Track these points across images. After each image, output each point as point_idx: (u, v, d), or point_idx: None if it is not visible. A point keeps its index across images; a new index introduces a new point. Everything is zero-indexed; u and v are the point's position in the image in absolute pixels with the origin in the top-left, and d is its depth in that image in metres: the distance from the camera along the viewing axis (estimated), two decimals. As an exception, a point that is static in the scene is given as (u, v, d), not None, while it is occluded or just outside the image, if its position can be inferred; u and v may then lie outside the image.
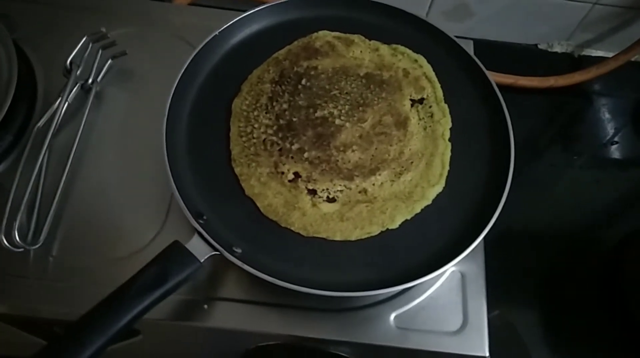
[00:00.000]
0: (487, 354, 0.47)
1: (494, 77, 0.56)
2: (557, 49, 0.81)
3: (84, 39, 0.55)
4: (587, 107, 0.79)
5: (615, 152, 0.75)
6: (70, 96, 0.54)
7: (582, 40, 0.80)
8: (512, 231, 0.66)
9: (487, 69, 0.57)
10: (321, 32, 0.58)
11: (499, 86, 0.55)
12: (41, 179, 0.51)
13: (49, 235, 0.48)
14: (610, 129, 0.77)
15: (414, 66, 0.56)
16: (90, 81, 0.56)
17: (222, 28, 0.55)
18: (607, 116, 0.78)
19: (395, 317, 0.48)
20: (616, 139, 0.76)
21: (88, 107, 0.55)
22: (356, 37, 0.58)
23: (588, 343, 0.62)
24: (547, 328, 0.62)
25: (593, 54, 0.81)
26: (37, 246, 0.47)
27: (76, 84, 0.55)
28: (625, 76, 0.78)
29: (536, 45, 0.81)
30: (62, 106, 0.53)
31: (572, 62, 0.81)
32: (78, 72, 0.55)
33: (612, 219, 0.71)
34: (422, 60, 0.57)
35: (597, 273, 0.66)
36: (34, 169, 0.50)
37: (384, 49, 0.57)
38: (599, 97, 0.79)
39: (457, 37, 0.58)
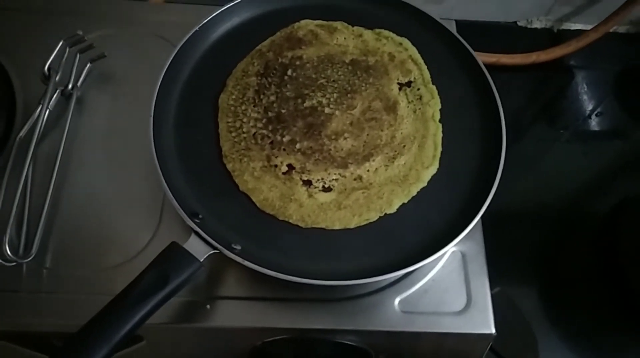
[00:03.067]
0: (494, 331, 0.47)
1: (476, 57, 0.56)
2: (537, 24, 0.81)
3: (61, 43, 0.54)
4: (569, 81, 0.79)
5: (600, 123, 0.76)
6: (51, 103, 0.53)
7: (561, 15, 0.80)
8: (505, 207, 0.66)
9: (469, 49, 0.57)
10: (303, 22, 0.57)
11: (482, 65, 0.55)
12: (28, 190, 0.49)
13: (41, 246, 0.47)
14: (593, 101, 0.77)
15: (399, 49, 0.56)
16: (70, 86, 0.54)
17: (202, 23, 0.54)
18: (589, 88, 0.78)
19: (400, 302, 0.47)
20: (600, 110, 0.77)
21: (70, 113, 0.53)
22: (339, 24, 0.57)
23: (588, 313, 0.62)
24: (547, 301, 0.62)
25: (572, 28, 0.81)
26: (29, 258, 0.46)
27: (56, 91, 0.53)
28: (604, 48, 0.78)
29: (516, 22, 0.81)
30: (44, 113, 0.52)
31: (552, 37, 0.81)
32: (57, 78, 0.53)
33: (603, 190, 0.72)
34: (406, 43, 0.56)
35: (593, 243, 0.67)
36: (19, 181, 0.48)
37: (368, 34, 0.57)
38: (581, 70, 0.80)
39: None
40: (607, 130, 0.76)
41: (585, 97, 0.78)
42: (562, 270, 0.65)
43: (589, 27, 0.78)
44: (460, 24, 0.64)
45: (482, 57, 0.71)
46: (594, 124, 0.76)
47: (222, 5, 0.56)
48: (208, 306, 0.46)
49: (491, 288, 0.50)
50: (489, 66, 0.72)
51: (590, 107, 0.77)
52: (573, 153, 0.74)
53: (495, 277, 0.51)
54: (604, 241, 0.67)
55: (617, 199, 0.69)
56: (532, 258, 0.66)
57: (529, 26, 0.81)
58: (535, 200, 0.70)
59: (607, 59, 0.81)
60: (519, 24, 0.81)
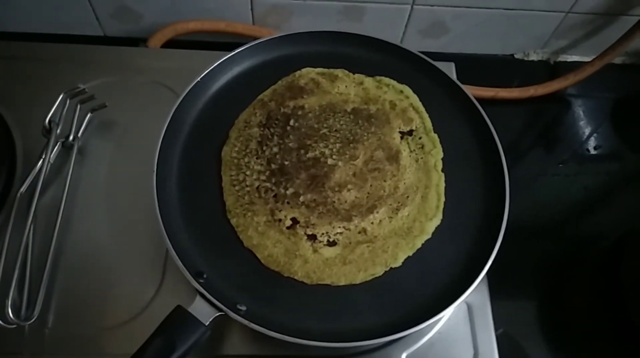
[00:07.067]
0: (501, 385, 0.47)
1: (474, 92, 0.56)
2: (534, 57, 0.82)
3: (61, 96, 0.54)
4: (566, 111, 0.80)
5: (598, 156, 0.76)
6: (52, 155, 0.52)
7: (557, 47, 0.81)
8: (506, 242, 0.67)
9: (466, 82, 0.57)
10: (304, 70, 0.57)
11: (480, 99, 0.56)
12: (29, 248, 0.49)
13: (43, 306, 0.47)
14: (590, 132, 0.78)
15: (400, 97, 0.56)
16: (71, 137, 0.54)
17: (204, 74, 0.54)
18: (586, 118, 0.79)
19: (407, 357, 0.47)
20: (598, 141, 0.77)
21: (72, 165, 0.53)
22: (340, 72, 0.57)
23: (591, 351, 0.62)
24: (550, 339, 0.62)
25: (569, 60, 0.82)
26: (32, 320, 0.46)
27: (57, 143, 0.53)
28: (600, 77, 0.79)
29: (512, 55, 0.82)
30: (45, 168, 0.51)
31: (549, 69, 0.82)
32: (58, 130, 0.53)
33: (603, 222, 0.72)
34: (407, 90, 0.57)
35: (595, 277, 0.67)
36: (21, 239, 0.48)
37: (369, 81, 0.57)
38: (577, 100, 0.80)
39: (436, 53, 0.59)
40: (605, 161, 0.77)
41: (582, 128, 0.78)
42: (565, 305, 0.65)
43: (585, 59, 0.79)
44: (457, 57, 0.64)
45: (480, 92, 0.72)
46: (593, 156, 0.76)
47: (220, 52, 0.56)
48: (213, 365, 0.46)
49: (494, 330, 0.50)
50: (486, 100, 0.73)
51: (587, 138, 0.77)
52: (573, 186, 0.74)
53: (497, 315, 0.51)
54: (606, 275, 0.67)
55: (619, 231, 0.69)
56: (534, 292, 0.66)
57: (525, 59, 0.82)
58: (535, 234, 0.70)
59: (603, 89, 0.81)
60: (516, 56, 0.82)
